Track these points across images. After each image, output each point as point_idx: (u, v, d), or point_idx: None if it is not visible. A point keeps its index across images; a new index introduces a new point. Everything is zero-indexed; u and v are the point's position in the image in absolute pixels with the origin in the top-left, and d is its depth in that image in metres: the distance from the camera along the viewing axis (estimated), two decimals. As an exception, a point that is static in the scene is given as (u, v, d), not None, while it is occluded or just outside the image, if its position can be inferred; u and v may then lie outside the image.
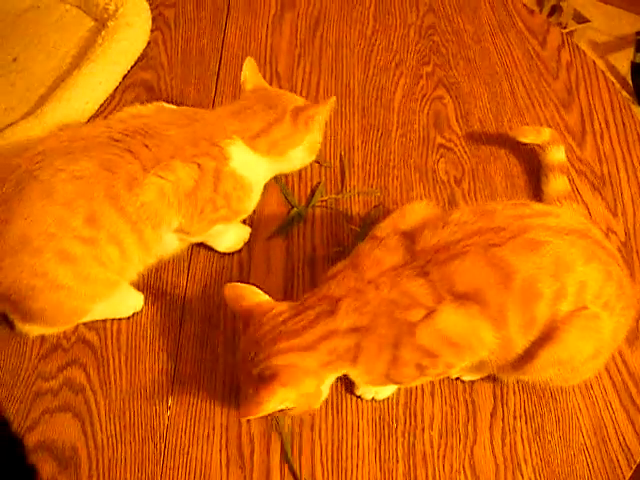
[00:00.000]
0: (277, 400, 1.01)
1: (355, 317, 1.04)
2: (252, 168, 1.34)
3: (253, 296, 1.13)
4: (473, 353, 1.08)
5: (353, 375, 1.12)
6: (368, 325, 1.03)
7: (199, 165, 1.26)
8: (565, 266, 1.05)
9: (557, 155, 1.50)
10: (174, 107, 1.35)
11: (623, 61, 3.16)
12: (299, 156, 1.40)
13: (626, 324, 1.16)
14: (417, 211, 1.15)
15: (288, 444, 1.19)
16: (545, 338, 1.07)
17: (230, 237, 1.42)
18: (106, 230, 1.20)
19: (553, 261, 1.04)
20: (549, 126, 1.63)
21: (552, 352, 1.07)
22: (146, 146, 1.23)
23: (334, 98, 1.37)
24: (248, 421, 1.21)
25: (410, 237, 1.08)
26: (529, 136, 1.53)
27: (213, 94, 1.69)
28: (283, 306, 1.10)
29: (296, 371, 1.04)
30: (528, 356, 1.09)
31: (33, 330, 1.29)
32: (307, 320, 1.05)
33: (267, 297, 1.13)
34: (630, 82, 3.09)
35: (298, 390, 1.04)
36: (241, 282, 1.15)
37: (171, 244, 1.33)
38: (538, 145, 1.53)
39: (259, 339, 1.06)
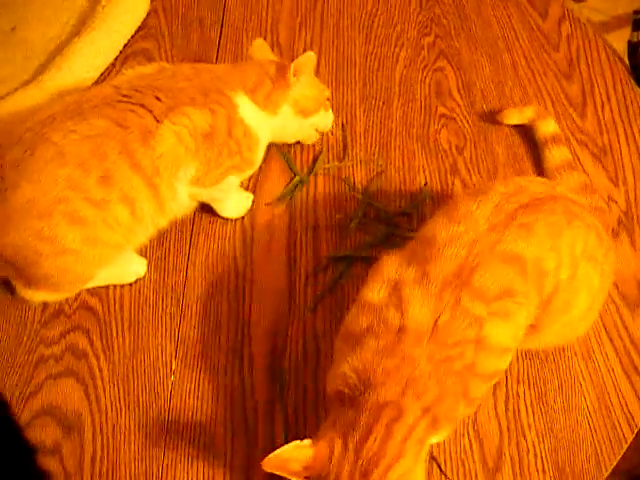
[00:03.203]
0: None
1: (422, 400, 0.95)
2: (256, 121, 1.36)
3: (298, 452, 0.93)
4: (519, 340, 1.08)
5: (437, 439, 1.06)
6: (437, 395, 0.96)
7: (212, 110, 1.27)
8: (556, 236, 1.06)
9: (547, 128, 1.51)
10: (173, 65, 1.37)
11: (620, 40, 3.14)
12: (289, 116, 1.41)
13: (609, 270, 1.17)
14: (394, 258, 1.08)
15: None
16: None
17: (233, 203, 1.42)
18: (119, 189, 1.21)
19: (546, 235, 1.05)
20: (550, 97, 1.63)
21: (561, 319, 1.11)
22: (157, 98, 1.24)
23: (311, 53, 1.38)
24: (252, 388, 1.22)
25: (417, 278, 1.01)
26: (512, 118, 1.54)
27: (214, 60, 1.69)
28: (338, 442, 0.93)
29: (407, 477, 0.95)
30: (534, 329, 1.11)
31: (36, 296, 1.30)
32: (380, 437, 0.92)
33: (307, 442, 0.94)
34: (627, 61, 3.08)
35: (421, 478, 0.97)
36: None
37: (182, 201, 1.33)
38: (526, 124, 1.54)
39: None
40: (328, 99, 1.49)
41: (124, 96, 1.24)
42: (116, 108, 1.22)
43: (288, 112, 1.41)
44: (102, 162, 1.19)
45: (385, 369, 0.95)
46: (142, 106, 1.23)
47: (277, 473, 0.93)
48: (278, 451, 0.91)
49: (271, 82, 1.37)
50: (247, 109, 1.34)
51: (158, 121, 1.23)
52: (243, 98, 1.34)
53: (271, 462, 0.91)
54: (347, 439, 0.92)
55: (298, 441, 0.92)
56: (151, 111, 1.23)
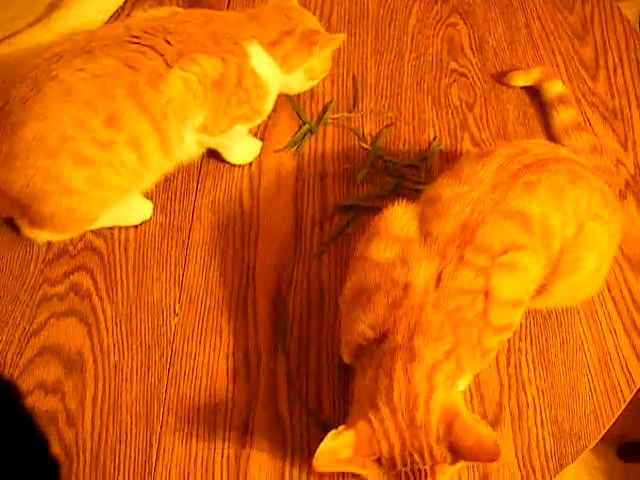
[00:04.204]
0: (467, 424, 0.91)
1: (441, 344, 0.96)
2: (268, 72, 1.34)
3: (340, 439, 0.90)
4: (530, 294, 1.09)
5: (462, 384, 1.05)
6: (455, 342, 0.97)
7: (223, 59, 1.26)
8: (560, 195, 1.06)
9: (554, 89, 1.50)
10: (184, 10, 1.35)
11: (633, 8, 3.13)
12: (297, 79, 1.42)
13: (617, 230, 1.17)
14: (399, 216, 1.09)
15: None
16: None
17: (242, 149, 1.41)
18: (127, 131, 1.20)
19: (550, 194, 1.05)
20: (562, 58, 1.62)
21: (569, 279, 1.11)
22: (168, 42, 1.23)
23: (343, 35, 1.39)
24: (255, 333, 1.22)
25: (419, 239, 1.04)
26: (519, 80, 1.55)
27: (226, 8, 1.67)
28: (372, 411, 0.92)
29: (450, 399, 0.94)
30: (543, 289, 1.12)
31: (41, 236, 1.29)
32: (402, 381, 0.92)
33: (342, 428, 0.91)
34: (638, 30, 3.06)
35: (461, 401, 0.98)
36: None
37: (189, 147, 1.32)
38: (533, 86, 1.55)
39: (403, 448, 0.90)
40: None
41: (134, 37, 1.22)
42: (126, 49, 1.21)
43: (300, 75, 1.41)
44: (109, 102, 1.18)
45: (394, 318, 0.97)
46: (152, 48, 1.21)
47: (335, 470, 0.93)
48: (321, 447, 0.88)
49: (292, 44, 1.35)
50: (261, 60, 1.32)
51: (169, 65, 1.21)
52: (258, 49, 1.32)
53: (321, 458, 0.88)
54: (377, 403, 0.92)
55: (333, 430, 0.90)
56: (162, 55, 1.22)
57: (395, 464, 0.91)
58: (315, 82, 1.48)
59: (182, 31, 1.25)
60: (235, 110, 1.30)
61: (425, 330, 0.95)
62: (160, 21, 1.27)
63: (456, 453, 0.90)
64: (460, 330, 0.97)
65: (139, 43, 1.21)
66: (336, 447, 0.89)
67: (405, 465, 0.91)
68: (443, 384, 0.93)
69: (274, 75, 1.36)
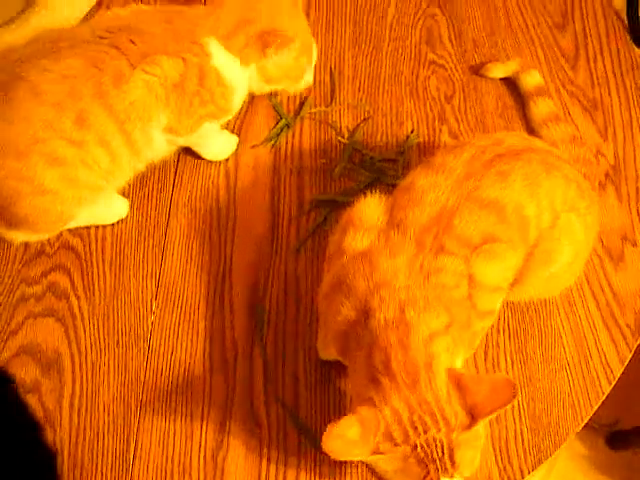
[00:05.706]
0: (475, 377, 0.96)
1: (432, 316, 0.95)
2: (232, 69, 1.32)
3: (344, 423, 0.86)
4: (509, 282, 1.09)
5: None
6: (450, 319, 0.97)
7: (184, 59, 1.24)
8: (534, 184, 1.06)
9: (531, 81, 1.50)
10: (151, 7, 1.34)
11: (618, -4, 3.11)
12: (253, 76, 1.37)
13: (593, 222, 1.17)
14: (372, 206, 1.09)
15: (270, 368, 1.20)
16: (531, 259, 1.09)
17: (217, 145, 1.41)
18: (95, 131, 1.19)
19: (524, 184, 1.05)
20: (542, 48, 1.61)
21: (543, 271, 1.11)
22: (132, 42, 1.22)
23: (297, 44, 1.34)
24: (232, 328, 1.22)
25: (394, 227, 1.03)
26: (496, 72, 1.54)
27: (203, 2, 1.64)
28: (372, 392, 0.91)
29: (451, 365, 0.94)
30: (517, 280, 1.11)
31: (17, 237, 1.29)
32: (400, 354, 0.91)
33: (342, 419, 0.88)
34: (625, 18, 3.04)
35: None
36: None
37: (160, 147, 1.32)
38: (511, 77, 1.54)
39: (411, 412, 0.88)
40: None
41: (99, 37, 1.22)
42: (91, 49, 1.20)
43: (254, 73, 1.37)
44: (77, 103, 1.17)
45: (379, 297, 0.96)
46: (116, 48, 1.21)
47: (348, 456, 0.90)
48: (327, 431, 0.85)
49: (245, 40, 1.32)
50: (222, 58, 1.30)
51: (132, 66, 1.21)
52: (217, 46, 1.29)
53: (330, 442, 0.84)
54: (376, 377, 0.91)
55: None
56: (126, 55, 1.21)
57: (407, 433, 0.87)
58: (274, 87, 1.43)
59: (146, 30, 1.24)
60: (199, 110, 1.29)
61: (414, 304, 0.94)
62: (125, 20, 1.26)
63: (472, 409, 0.88)
64: (453, 310, 0.97)
65: (103, 43, 1.21)
66: (342, 429, 0.85)
67: (418, 434, 0.87)
68: (444, 353, 0.93)
69: (237, 71, 1.33)
